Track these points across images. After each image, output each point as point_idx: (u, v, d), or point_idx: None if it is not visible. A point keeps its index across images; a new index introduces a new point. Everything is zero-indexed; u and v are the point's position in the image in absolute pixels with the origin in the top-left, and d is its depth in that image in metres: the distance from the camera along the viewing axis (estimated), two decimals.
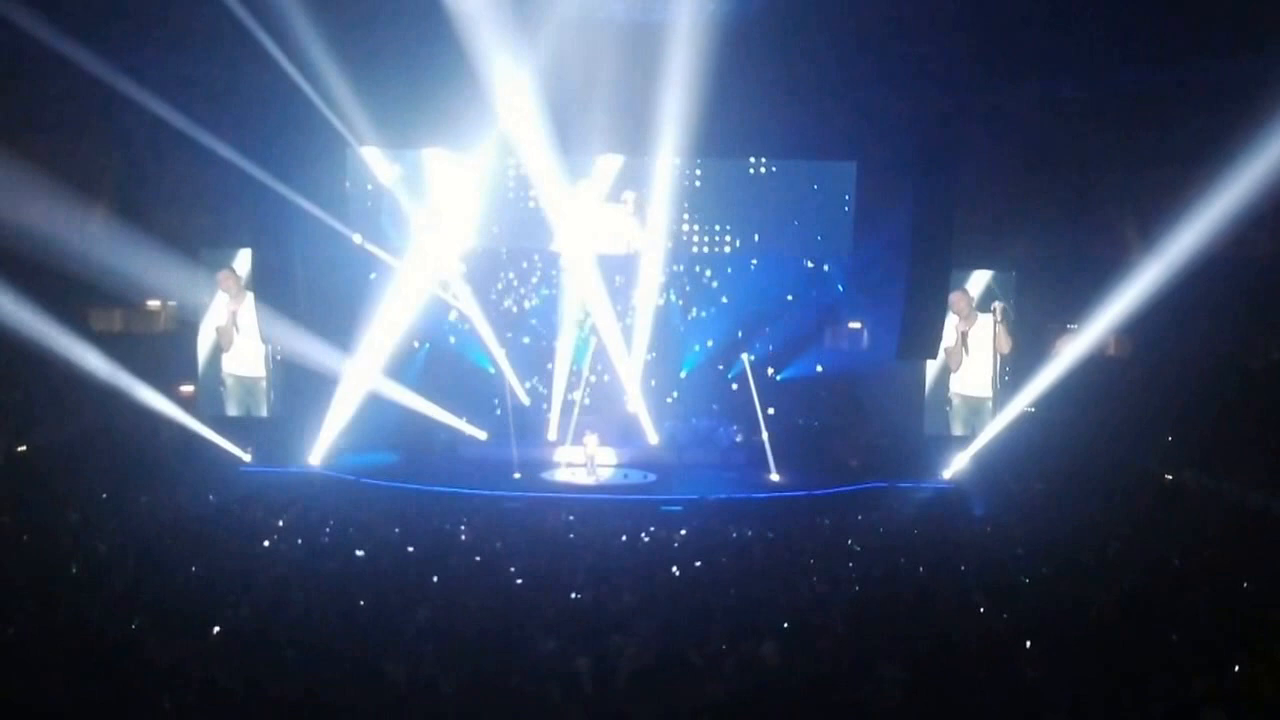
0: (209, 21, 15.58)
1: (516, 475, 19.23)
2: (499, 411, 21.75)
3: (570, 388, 22.48)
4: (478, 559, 11.29)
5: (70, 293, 20.42)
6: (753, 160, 20.72)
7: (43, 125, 19.83)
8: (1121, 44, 16.63)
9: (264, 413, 21.02)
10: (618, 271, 21.76)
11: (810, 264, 21.88)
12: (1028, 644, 8.02)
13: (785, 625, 8.51)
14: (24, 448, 17.72)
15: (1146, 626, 8.75)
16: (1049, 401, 20.05)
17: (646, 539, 13.07)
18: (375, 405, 20.20)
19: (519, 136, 18.69)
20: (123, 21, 16.14)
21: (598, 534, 13.08)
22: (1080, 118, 18.82)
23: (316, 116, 18.23)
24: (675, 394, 22.72)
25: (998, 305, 20.65)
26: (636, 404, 21.54)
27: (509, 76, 16.52)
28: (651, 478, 19.71)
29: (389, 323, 21.08)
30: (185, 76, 17.44)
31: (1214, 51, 15.88)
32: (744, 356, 22.02)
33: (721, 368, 22.52)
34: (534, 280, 22.69)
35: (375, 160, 20.34)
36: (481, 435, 21.69)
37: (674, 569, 11.04)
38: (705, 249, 21.34)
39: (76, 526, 12.21)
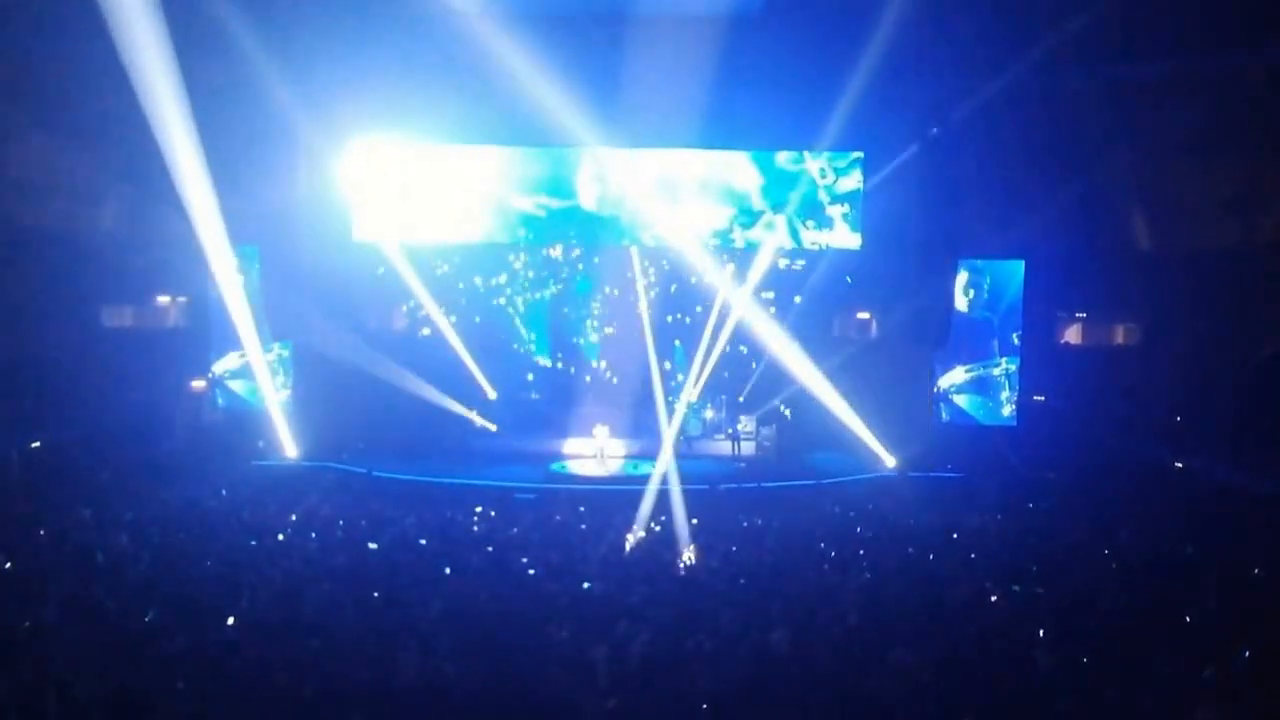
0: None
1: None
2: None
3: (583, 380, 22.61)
4: (490, 549, 11.36)
5: (82, 288, 20.61)
6: None
7: (49, 125, 19.94)
8: (1127, 34, 16.59)
9: None
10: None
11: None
12: (1039, 632, 8.04)
13: (795, 614, 8.54)
14: (38, 443, 17.83)
15: (1157, 613, 8.76)
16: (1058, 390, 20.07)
17: (658, 528, 13.13)
18: (386, 397, 20.29)
19: (524, 130, 18.74)
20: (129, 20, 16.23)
21: (609, 524, 13.12)
22: (1087, 106, 18.78)
23: (321, 112, 18.35)
24: (683, 379, 22.79)
25: None
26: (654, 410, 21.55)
27: (515, 70, 16.53)
28: (661, 469, 19.72)
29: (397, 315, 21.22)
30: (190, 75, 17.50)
31: (1219, 42, 15.82)
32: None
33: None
34: (538, 274, 22.75)
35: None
36: (492, 426, 21.80)
37: (685, 555, 11.14)
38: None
39: (90, 521, 12.30)
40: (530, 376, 22.92)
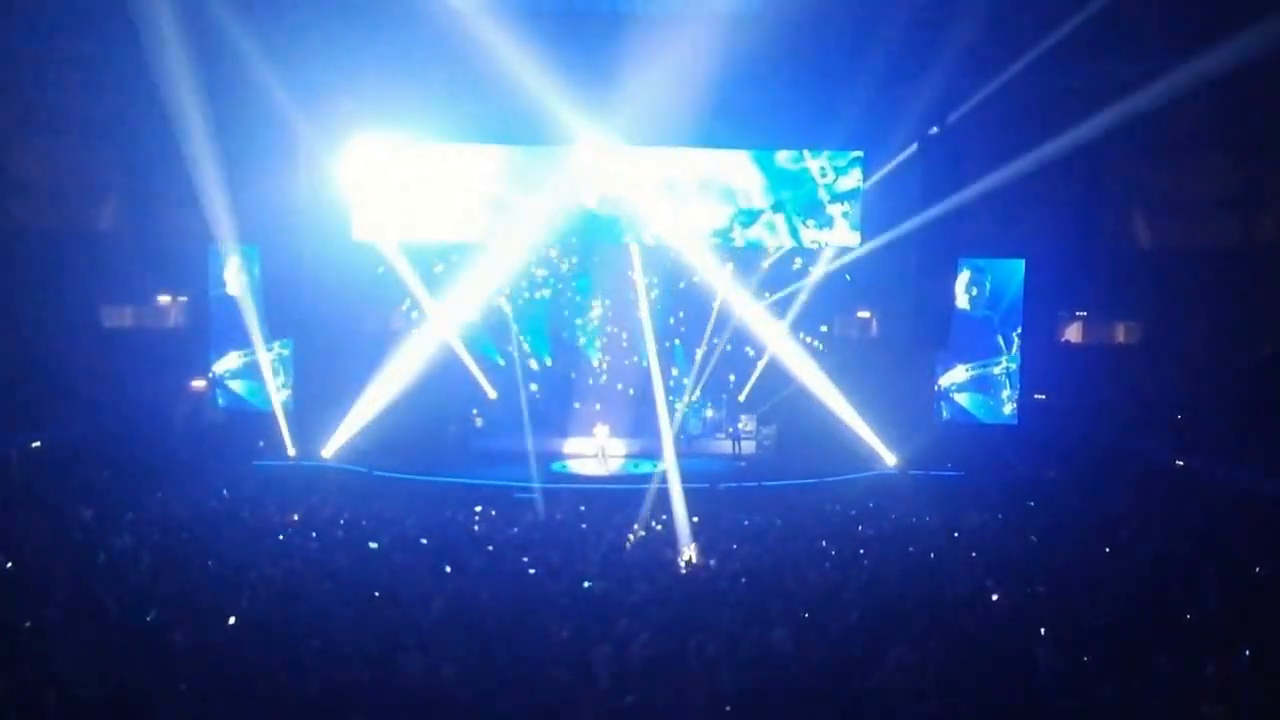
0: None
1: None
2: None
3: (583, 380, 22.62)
4: (490, 549, 11.36)
5: (82, 288, 20.61)
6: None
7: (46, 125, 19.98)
8: (1127, 33, 16.58)
9: None
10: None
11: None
12: (1040, 631, 8.03)
13: (796, 613, 8.53)
14: (38, 443, 17.83)
15: (1158, 612, 8.75)
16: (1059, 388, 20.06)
17: (658, 527, 13.12)
18: (386, 397, 20.28)
19: (524, 128, 18.76)
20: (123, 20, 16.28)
21: (609, 523, 13.11)
22: (1087, 105, 18.76)
23: (321, 111, 18.35)
24: (686, 381, 22.81)
25: None
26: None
27: (515, 69, 16.52)
28: (662, 467, 19.71)
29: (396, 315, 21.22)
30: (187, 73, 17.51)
31: (1220, 41, 15.78)
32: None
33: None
34: (538, 274, 22.72)
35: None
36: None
37: (686, 554, 11.13)
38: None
39: (90, 522, 12.29)
40: (535, 387, 22.85)
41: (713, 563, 10.93)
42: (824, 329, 22.53)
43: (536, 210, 20.32)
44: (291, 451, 19.81)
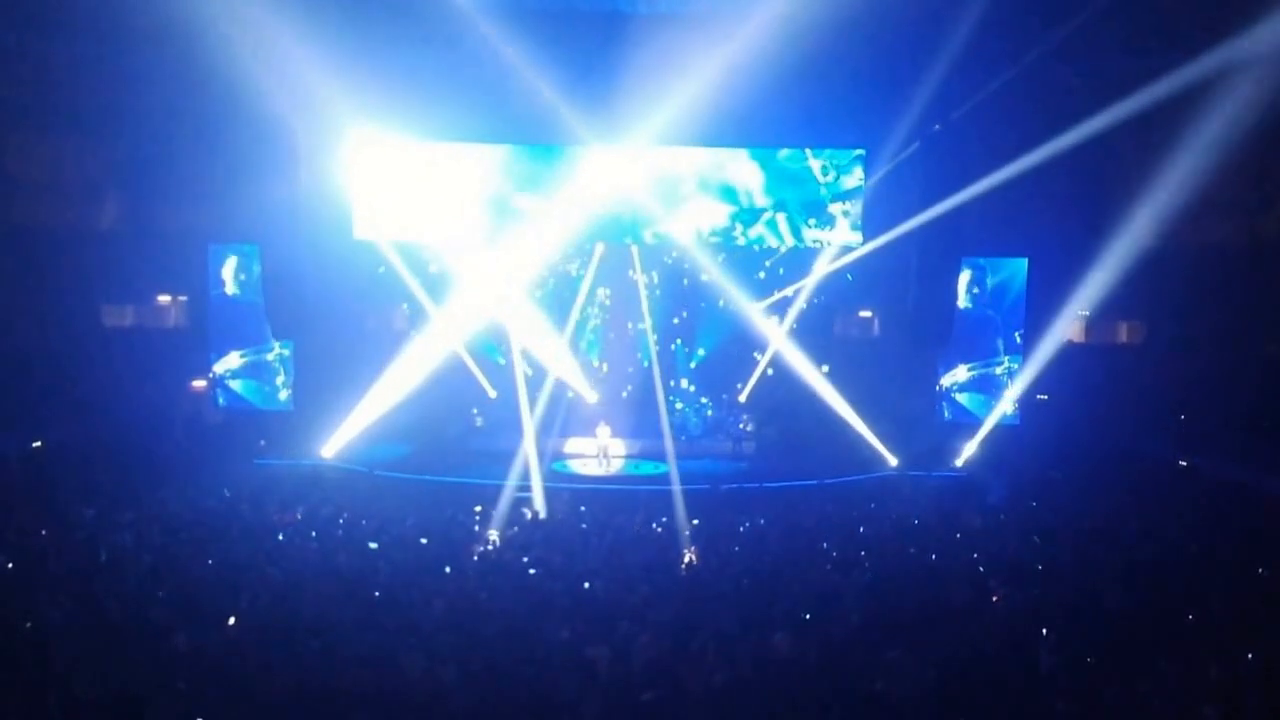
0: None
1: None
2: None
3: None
4: (489, 548, 11.34)
5: (82, 288, 20.62)
6: None
7: (46, 124, 19.98)
8: (1131, 31, 16.56)
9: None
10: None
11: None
12: (1043, 631, 8.01)
13: (797, 614, 8.51)
14: (38, 443, 17.82)
15: (1161, 613, 8.73)
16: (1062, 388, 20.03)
17: (659, 529, 13.10)
18: (387, 397, 20.26)
19: (525, 127, 18.75)
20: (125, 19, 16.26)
21: (610, 524, 13.09)
22: (1091, 103, 18.75)
23: (321, 111, 18.33)
24: (686, 382, 22.78)
25: None
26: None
27: (515, 68, 16.52)
28: (663, 468, 19.71)
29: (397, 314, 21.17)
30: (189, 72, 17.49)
31: (1223, 39, 15.77)
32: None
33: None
34: (538, 274, 22.65)
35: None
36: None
37: (686, 557, 11.10)
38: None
39: (91, 521, 12.28)
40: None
41: (713, 564, 10.91)
42: (825, 328, 22.50)
43: (537, 210, 20.30)
44: (291, 451, 19.78)
